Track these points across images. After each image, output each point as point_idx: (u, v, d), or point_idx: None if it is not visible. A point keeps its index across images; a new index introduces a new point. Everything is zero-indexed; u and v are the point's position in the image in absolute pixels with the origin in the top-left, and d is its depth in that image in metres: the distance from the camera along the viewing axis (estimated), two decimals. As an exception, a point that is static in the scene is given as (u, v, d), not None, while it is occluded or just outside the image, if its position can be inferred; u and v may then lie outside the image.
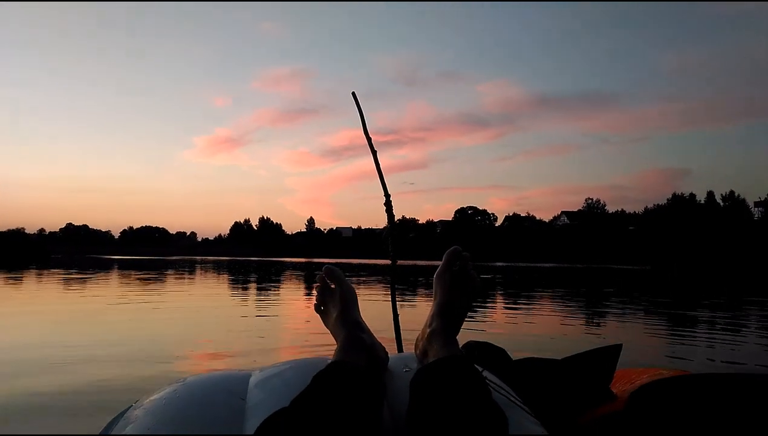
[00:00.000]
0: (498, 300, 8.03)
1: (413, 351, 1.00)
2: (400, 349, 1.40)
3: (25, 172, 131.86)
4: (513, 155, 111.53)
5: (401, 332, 1.42)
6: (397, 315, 1.45)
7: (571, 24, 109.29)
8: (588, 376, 1.15)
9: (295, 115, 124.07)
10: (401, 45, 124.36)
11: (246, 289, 9.90)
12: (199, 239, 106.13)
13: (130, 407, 0.87)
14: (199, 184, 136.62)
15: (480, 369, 0.81)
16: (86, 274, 13.68)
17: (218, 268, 21.00)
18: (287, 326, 5.00)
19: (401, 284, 12.23)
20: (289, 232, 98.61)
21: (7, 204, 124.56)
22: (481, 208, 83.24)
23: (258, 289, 9.90)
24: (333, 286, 1.04)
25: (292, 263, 33.36)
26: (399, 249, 1.45)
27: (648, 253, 47.60)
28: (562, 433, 0.99)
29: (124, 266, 19.98)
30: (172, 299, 7.22)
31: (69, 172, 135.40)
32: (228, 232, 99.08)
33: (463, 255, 1.00)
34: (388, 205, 1.47)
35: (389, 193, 1.48)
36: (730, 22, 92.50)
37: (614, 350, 1.20)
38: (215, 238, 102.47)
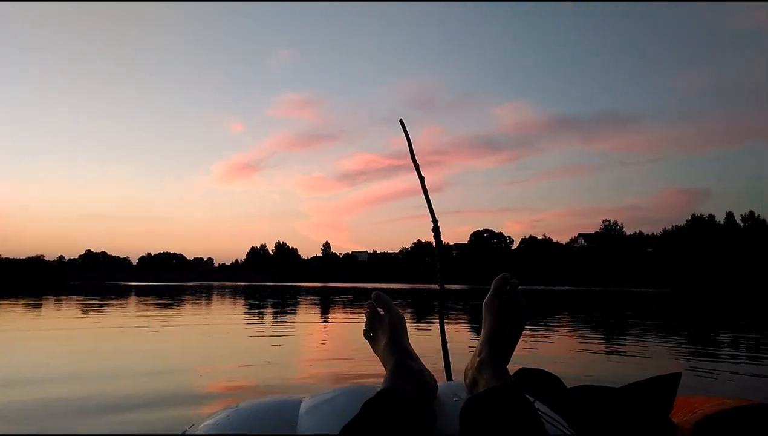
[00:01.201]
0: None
1: (462, 380, 0.99)
2: (449, 377, 1.39)
3: (45, 199, 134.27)
4: (529, 178, 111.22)
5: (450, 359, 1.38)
6: (446, 342, 1.42)
7: (586, 45, 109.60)
8: (647, 405, 1.12)
9: (310, 140, 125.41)
10: (417, 69, 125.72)
11: (262, 314, 9.89)
12: (216, 265, 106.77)
13: (184, 432, 0.89)
14: (216, 209, 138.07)
15: (532, 400, 0.80)
16: (102, 300, 13.77)
17: (235, 293, 21.04)
18: (301, 352, 4.97)
19: (425, 308, 12.13)
20: (304, 256, 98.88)
21: (28, 231, 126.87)
22: (497, 231, 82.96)
23: (274, 314, 9.88)
24: (382, 312, 1.04)
25: (307, 287, 33.31)
26: (445, 274, 1.43)
27: (667, 275, 46.84)
28: None
29: (141, 293, 20.09)
30: (188, 324, 7.26)
31: (88, 199, 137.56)
32: (245, 257, 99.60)
33: (512, 282, 0.99)
34: (436, 230, 1.45)
35: (437, 219, 1.46)
36: (746, 40, 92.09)
37: (674, 378, 1.17)
38: (232, 263, 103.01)
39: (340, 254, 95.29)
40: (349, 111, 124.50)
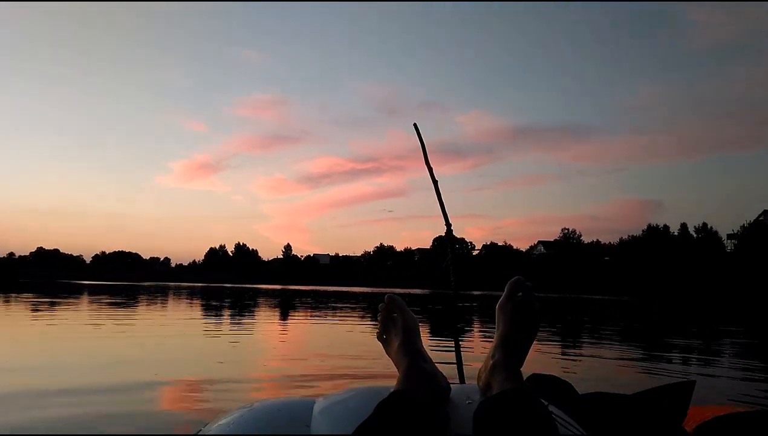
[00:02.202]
0: (476, 328, 7.89)
1: (475, 383, 0.99)
2: (462, 380, 1.38)
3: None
4: (490, 185, 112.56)
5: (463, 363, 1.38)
6: (459, 345, 1.42)
7: (548, 58, 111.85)
8: (660, 413, 1.12)
9: (273, 141, 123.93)
10: (382, 74, 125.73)
11: (219, 315, 9.61)
12: (173, 265, 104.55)
13: (199, 431, 0.89)
14: (174, 209, 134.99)
15: (545, 403, 0.79)
16: (52, 298, 13.20)
17: (192, 294, 20.54)
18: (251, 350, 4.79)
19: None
20: (265, 258, 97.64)
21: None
22: (459, 237, 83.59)
23: (232, 316, 9.61)
24: (395, 315, 1.04)
25: (267, 289, 32.84)
26: (458, 280, 1.40)
27: (624, 283, 48.04)
28: None
29: (94, 292, 19.43)
30: (139, 325, 6.93)
31: (42, 195, 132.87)
32: (203, 258, 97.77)
33: (526, 285, 0.99)
34: (449, 234, 1.44)
35: (450, 222, 1.45)
36: (703, 57, 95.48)
37: (687, 387, 1.16)
38: (189, 264, 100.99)
39: (302, 256, 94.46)
40: (313, 113, 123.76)
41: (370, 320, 9.05)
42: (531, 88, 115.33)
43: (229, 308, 11.98)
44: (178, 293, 21.53)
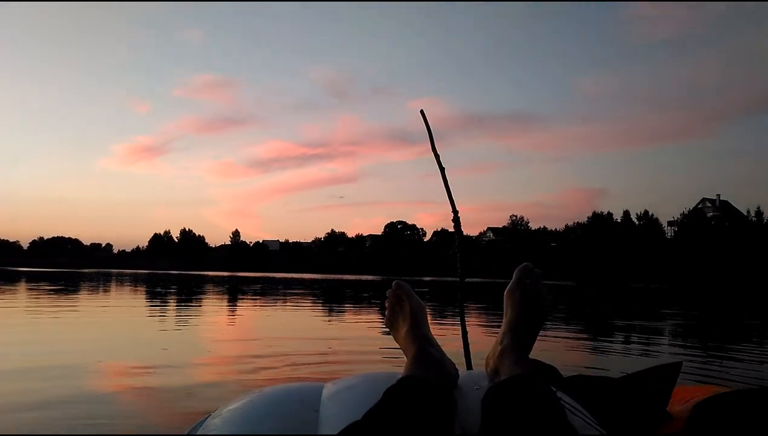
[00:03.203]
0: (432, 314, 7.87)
1: (483, 368, 0.98)
2: (469, 366, 1.39)
3: None
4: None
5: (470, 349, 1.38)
6: (466, 332, 1.42)
7: (499, 46, 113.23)
8: (645, 396, 1.11)
9: (220, 124, 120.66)
10: (333, 57, 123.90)
11: (164, 303, 9.30)
12: (116, 251, 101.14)
13: (208, 416, 0.90)
14: (115, 193, 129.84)
15: (554, 389, 0.78)
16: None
17: (136, 281, 19.91)
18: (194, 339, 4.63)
19: (336, 299, 11.92)
20: (212, 244, 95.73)
21: None
22: (410, 223, 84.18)
23: (177, 303, 9.32)
24: (402, 300, 1.04)
25: (214, 276, 32.25)
26: (464, 268, 1.40)
27: (570, 269, 49.50)
28: None
29: (32, 279, 18.57)
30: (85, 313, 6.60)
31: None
32: (147, 244, 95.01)
33: (535, 272, 0.99)
34: (456, 221, 1.44)
35: (457, 210, 1.44)
36: (646, 50, 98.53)
37: (673, 369, 1.15)
38: (133, 250, 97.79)
39: (251, 242, 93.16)
40: (262, 96, 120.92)
41: (322, 307, 8.94)
42: (482, 77, 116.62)
43: (174, 295, 11.63)
44: (120, 280, 20.85)
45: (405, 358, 0.96)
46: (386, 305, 1.07)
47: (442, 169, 1.57)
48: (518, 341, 0.91)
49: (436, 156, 1.59)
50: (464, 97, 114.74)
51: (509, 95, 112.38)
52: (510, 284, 1.00)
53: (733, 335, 6.18)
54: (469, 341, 1.42)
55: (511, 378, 0.80)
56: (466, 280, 1.46)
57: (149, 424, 1.99)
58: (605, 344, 4.90)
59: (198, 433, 0.86)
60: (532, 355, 0.95)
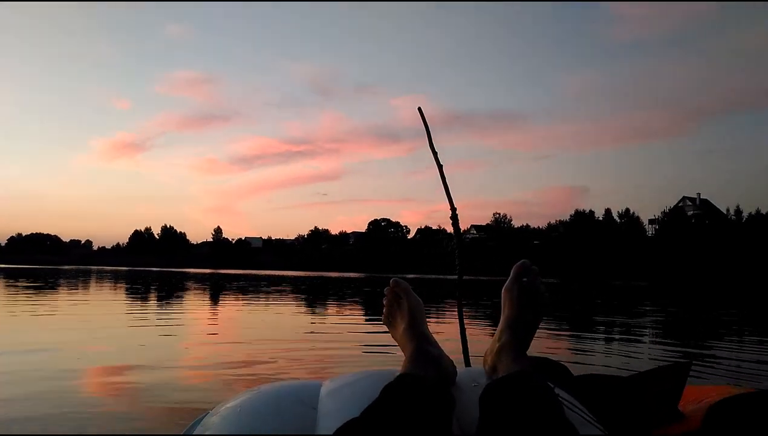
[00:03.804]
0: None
1: (482, 366, 0.99)
2: (467, 363, 1.38)
3: None
4: (425, 169, 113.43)
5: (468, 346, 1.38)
6: (464, 329, 1.41)
7: (483, 46, 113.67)
8: (656, 395, 1.12)
9: (202, 120, 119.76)
10: (316, 54, 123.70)
11: (145, 300, 9.16)
12: (96, 248, 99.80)
13: (207, 414, 0.89)
14: (95, 189, 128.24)
15: (552, 386, 0.79)
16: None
17: (116, 278, 19.64)
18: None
19: (319, 296, 11.86)
20: (194, 241, 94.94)
21: None
22: (394, 221, 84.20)
23: (159, 300, 9.19)
24: (400, 298, 1.03)
25: (196, 273, 31.95)
26: (463, 265, 1.40)
27: (552, 266, 49.85)
28: None
29: (10, 275, 18.24)
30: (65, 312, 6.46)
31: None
32: (127, 240, 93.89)
33: (532, 269, 0.99)
34: (455, 218, 1.42)
35: (455, 207, 1.43)
36: (628, 49, 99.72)
37: (683, 368, 1.15)
38: (113, 247, 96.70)
39: (233, 239, 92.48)
40: (244, 92, 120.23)
41: (305, 305, 8.89)
42: (465, 75, 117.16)
43: (156, 292, 11.48)
44: (101, 276, 20.55)
45: (402, 355, 0.96)
46: (384, 302, 1.06)
47: (440, 166, 1.55)
48: (516, 338, 0.91)
49: (434, 153, 1.58)
50: (448, 95, 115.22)
51: (493, 94, 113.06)
52: (508, 280, 1.00)
53: (713, 331, 6.25)
54: (467, 339, 1.41)
55: (509, 375, 0.80)
56: (464, 277, 1.46)
57: (137, 426, 1.95)
58: (597, 340, 4.91)
59: (196, 431, 0.85)
60: (541, 353, 0.95)
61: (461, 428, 0.80)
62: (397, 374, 0.83)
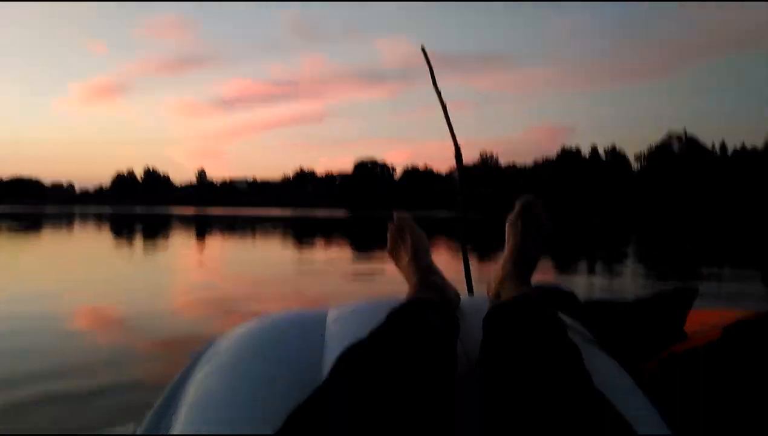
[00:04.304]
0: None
1: (485, 294, 0.99)
2: (470, 292, 1.36)
3: None
4: (410, 111, 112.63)
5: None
6: (468, 258, 1.43)
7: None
8: (661, 316, 1.11)
9: (183, 63, 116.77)
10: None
11: (131, 240, 8.98)
12: (78, 191, 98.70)
13: (214, 341, 0.90)
14: (76, 132, 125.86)
15: (554, 310, 0.81)
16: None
17: (101, 220, 19.38)
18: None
19: (309, 234, 11.76)
20: (177, 183, 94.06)
21: None
22: (380, 161, 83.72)
23: (146, 239, 9.02)
24: (404, 232, 1.03)
25: (182, 214, 31.77)
26: (465, 200, 1.48)
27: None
28: (636, 372, 0.91)
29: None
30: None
31: None
32: (110, 183, 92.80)
33: (536, 202, 1.00)
34: (458, 157, 1.46)
35: (459, 145, 1.46)
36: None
37: (690, 293, 1.09)
38: (96, 190, 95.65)
39: (217, 181, 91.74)
40: (226, 35, 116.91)
41: (295, 243, 8.78)
42: (451, 17, 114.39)
43: (145, 233, 11.29)
44: (85, 218, 20.29)
45: (407, 286, 0.95)
46: (388, 235, 1.05)
47: (443, 106, 1.52)
48: (520, 266, 0.93)
49: (438, 92, 1.56)
50: (433, 37, 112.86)
51: (477, 36, 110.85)
52: (512, 213, 1.00)
53: (698, 261, 6.33)
54: (470, 268, 1.42)
55: (512, 299, 0.82)
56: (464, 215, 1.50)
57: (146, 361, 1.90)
58: (584, 272, 4.93)
59: (206, 355, 0.85)
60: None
61: (465, 351, 0.81)
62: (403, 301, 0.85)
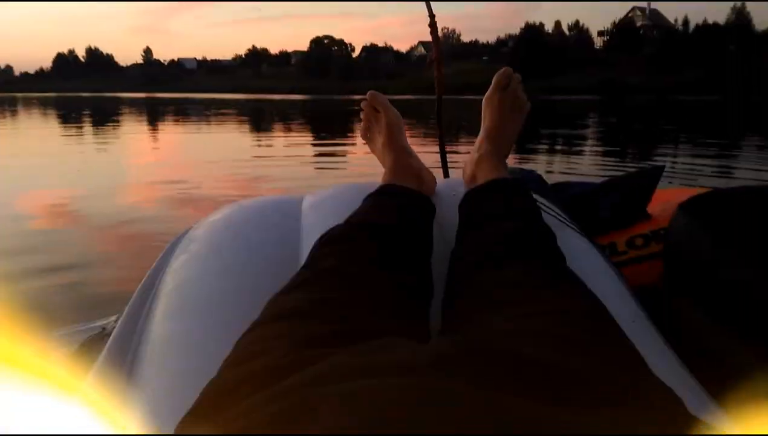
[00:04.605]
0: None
1: (461, 177, 0.98)
2: (446, 174, 1.37)
3: None
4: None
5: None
6: (444, 140, 1.42)
7: None
8: (627, 196, 1.16)
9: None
10: None
11: (81, 126, 8.60)
12: (18, 74, 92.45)
13: (190, 229, 0.88)
14: (8, 8, 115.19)
15: (530, 191, 0.81)
16: None
17: (45, 105, 18.39)
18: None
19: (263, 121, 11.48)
20: (122, 64, 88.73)
21: None
22: (337, 38, 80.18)
23: (94, 125, 8.65)
24: (378, 112, 1.00)
25: (131, 98, 30.35)
26: (442, 76, 1.38)
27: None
28: (604, 251, 0.94)
29: None
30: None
31: None
32: (51, 65, 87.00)
33: (514, 76, 0.96)
34: (433, 26, 1.40)
35: (434, 14, 1.40)
36: None
37: (656, 172, 1.17)
38: (36, 72, 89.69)
39: (165, 61, 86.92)
40: None
41: (253, 129, 8.60)
42: None
43: (93, 119, 10.79)
44: (28, 104, 19.20)
45: (382, 169, 0.95)
46: (361, 116, 1.03)
47: None
48: (496, 146, 0.91)
49: None
50: None
51: None
52: (488, 90, 0.97)
53: (659, 140, 6.53)
54: (446, 150, 1.41)
55: (487, 182, 0.81)
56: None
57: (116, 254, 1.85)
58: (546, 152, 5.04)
59: (180, 244, 0.84)
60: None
61: (442, 234, 0.81)
62: (379, 185, 0.85)
